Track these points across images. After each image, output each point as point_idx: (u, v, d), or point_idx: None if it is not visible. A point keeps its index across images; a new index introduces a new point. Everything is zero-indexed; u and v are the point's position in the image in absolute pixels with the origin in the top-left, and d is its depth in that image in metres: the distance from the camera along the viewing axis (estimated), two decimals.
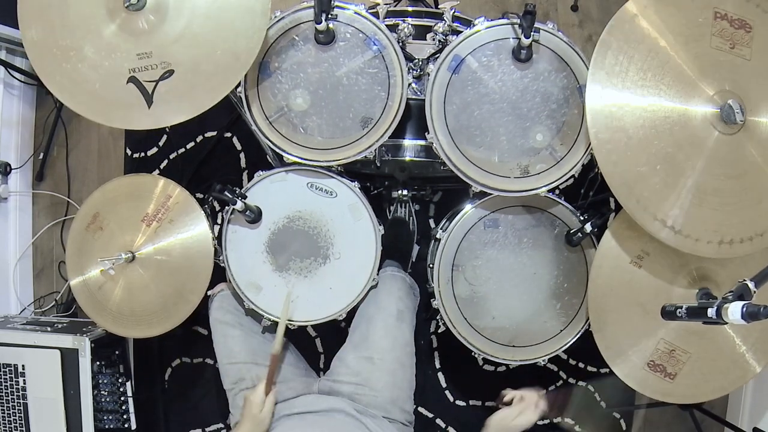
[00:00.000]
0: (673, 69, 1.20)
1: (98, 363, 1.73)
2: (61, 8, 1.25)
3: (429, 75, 1.33)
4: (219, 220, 1.77)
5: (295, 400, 1.39)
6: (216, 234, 1.50)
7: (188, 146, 2.11)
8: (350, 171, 1.54)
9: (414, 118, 1.45)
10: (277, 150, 1.37)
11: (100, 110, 1.27)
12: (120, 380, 1.78)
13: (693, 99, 1.20)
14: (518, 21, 1.26)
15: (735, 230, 1.23)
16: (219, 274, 1.48)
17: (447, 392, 2.07)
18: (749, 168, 1.22)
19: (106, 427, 1.77)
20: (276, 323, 1.49)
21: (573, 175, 1.36)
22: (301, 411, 1.33)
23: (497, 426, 1.26)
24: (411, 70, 1.41)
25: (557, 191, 1.46)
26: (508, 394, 1.31)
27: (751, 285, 0.97)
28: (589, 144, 1.31)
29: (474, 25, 1.32)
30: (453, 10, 1.40)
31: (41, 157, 2.17)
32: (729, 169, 1.22)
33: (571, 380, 2.06)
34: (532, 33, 1.24)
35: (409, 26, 1.38)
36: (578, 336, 1.46)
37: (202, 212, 1.47)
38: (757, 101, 1.22)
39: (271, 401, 1.31)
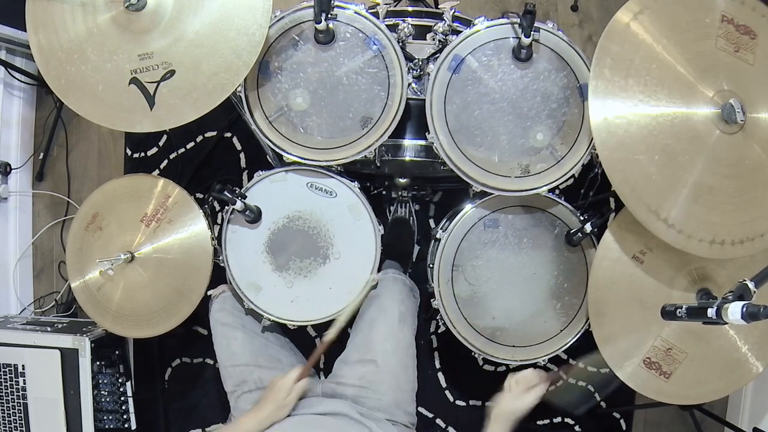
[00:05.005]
0: (672, 74, 1.20)
1: (98, 363, 1.73)
2: (64, 12, 1.25)
3: (429, 75, 1.33)
4: (219, 220, 1.77)
5: (298, 402, 1.38)
6: (216, 234, 1.50)
7: (188, 146, 2.11)
8: (350, 171, 1.54)
9: (414, 118, 1.45)
10: (277, 150, 1.37)
11: (105, 113, 1.27)
12: (120, 380, 1.78)
13: (693, 102, 1.20)
14: (518, 21, 1.25)
15: (727, 232, 1.23)
16: (219, 274, 1.48)
17: (447, 392, 2.07)
18: (747, 170, 1.22)
19: (106, 427, 1.77)
20: (277, 323, 1.49)
21: (573, 175, 1.36)
22: (305, 413, 1.33)
23: (502, 413, 1.20)
24: (411, 70, 1.41)
25: (557, 191, 1.46)
26: (506, 384, 1.26)
27: (751, 285, 0.97)
28: (590, 144, 1.32)
29: (474, 25, 1.32)
30: (453, 10, 1.40)
31: (41, 157, 2.17)
32: (727, 169, 1.22)
33: (572, 381, 2.06)
34: (532, 32, 1.24)
35: (409, 26, 1.38)
36: (578, 336, 1.46)
37: (201, 212, 1.47)
38: (757, 103, 1.22)
39: (300, 389, 1.30)
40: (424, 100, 1.32)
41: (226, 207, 1.41)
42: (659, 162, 1.20)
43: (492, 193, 1.37)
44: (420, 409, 2.04)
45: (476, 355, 1.46)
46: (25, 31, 1.27)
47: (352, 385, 1.39)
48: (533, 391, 1.21)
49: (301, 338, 1.97)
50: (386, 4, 1.53)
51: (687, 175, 1.21)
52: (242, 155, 2.10)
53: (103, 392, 1.76)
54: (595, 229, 1.37)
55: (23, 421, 1.68)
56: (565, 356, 2.05)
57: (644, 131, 1.19)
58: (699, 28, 1.21)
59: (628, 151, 1.20)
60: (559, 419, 2.07)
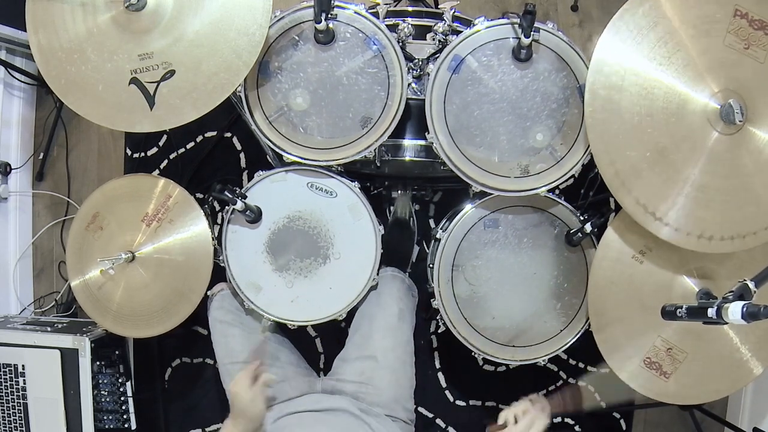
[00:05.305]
0: (685, 57, 1.19)
1: (98, 363, 1.73)
2: (64, 12, 1.25)
3: (429, 75, 1.33)
4: (219, 220, 1.77)
5: (298, 399, 1.39)
6: (216, 234, 1.50)
7: (188, 146, 2.11)
8: (350, 171, 1.54)
9: (414, 118, 1.45)
10: (277, 150, 1.37)
11: (105, 113, 1.28)
12: (120, 380, 1.78)
13: (696, 89, 1.20)
14: (518, 21, 1.25)
15: (716, 228, 1.23)
16: (219, 274, 1.48)
17: (447, 392, 2.07)
18: (740, 171, 1.22)
19: (106, 427, 1.77)
20: (277, 323, 1.49)
21: (573, 175, 1.36)
22: (304, 410, 1.33)
23: None
24: (411, 70, 1.41)
25: (557, 191, 1.46)
26: (501, 417, 1.19)
27: (751, 285, 0.97)
28: (590, 144, 1.32)
29: (474, 25, 1.32)
30: (453, 10, 1.40)
31: (41, 157, 2.17)
32: (719, 169, 1.21)
33: (571, 380, 2.06)
34: (532, 33, 1.24)
35: (409, 26, 1.38)
36: (578, 336, 1.46)
37: (202, 212, 1.47)
38: (760, 106, 1.21)
39: (258, 392, 1.20)
40: (424, 100, 1.32)
41: (227, 207, 1.41)
42: (650, 159, 1.20)
43: (492, 193, 1.37)
44: (420, 409, 2.04)
45: (476, 355, 1.46)
46: (25, 31, 1.27)
47: (352, 382, 1.39)
48: (536, 424, 1.15)
49: (301, 338, 1.98)
50: (386, 4, 1.53)
51: (679, 172, 1.21)
52: (242, 155, 2.10)
53: (103, 392, 1.76)
54: (595, 229, 1.37)
55: (23, 421, 1.68)
56: (565, 356, 2.05)
57: (637, 129, 1.20)
58: (709, 23, 1.19)
59: (619, 146, 1.21)
60: (559, 419, 2.07)
